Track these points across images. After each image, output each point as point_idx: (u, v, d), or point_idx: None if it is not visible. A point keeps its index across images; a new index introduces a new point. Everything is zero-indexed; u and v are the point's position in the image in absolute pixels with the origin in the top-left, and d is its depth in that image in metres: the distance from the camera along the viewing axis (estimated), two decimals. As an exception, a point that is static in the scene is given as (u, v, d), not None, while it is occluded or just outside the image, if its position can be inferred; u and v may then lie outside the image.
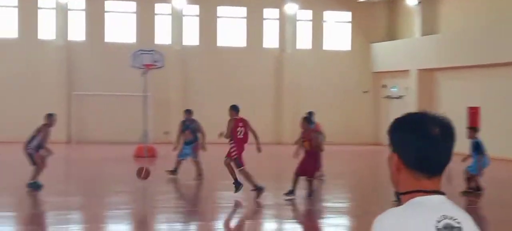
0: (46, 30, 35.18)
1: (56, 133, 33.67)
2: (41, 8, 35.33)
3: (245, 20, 37.63)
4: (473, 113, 31.65)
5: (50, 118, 18.08)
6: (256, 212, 15.53)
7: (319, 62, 38.34)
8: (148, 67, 28.72)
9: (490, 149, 29.99)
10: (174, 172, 20.52)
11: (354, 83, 38.47)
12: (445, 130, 2.55)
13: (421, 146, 2.50)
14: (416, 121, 2.59)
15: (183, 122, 21.73)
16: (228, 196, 16.66)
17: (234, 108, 17.52)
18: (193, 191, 19.40)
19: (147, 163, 24.87)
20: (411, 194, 2.52)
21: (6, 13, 35.17)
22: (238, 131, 16.80)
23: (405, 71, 35.65)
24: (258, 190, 16.03)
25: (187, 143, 21.10)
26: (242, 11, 37.47)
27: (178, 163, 20.68)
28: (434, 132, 2.52)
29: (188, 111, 21.71)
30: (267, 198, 16.62)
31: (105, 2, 35.90)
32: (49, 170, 17.31)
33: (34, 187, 16.69)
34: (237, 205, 16.27)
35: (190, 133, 21.21)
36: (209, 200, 17.40)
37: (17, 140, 18.99)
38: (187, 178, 20.33)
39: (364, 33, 38.89)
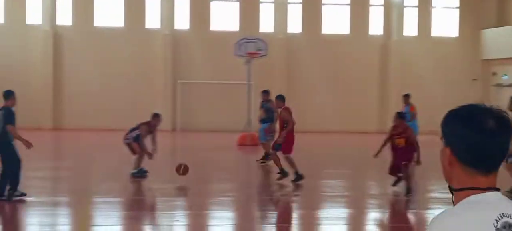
0: (152, 19, 35.99)
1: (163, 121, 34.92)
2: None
3: (348, 7, 37.45)
4: None
5: (155, 118, 18.29)
6: (360, 201, 15.51)
7: (426, 50, 37.74)
8: (251, 55, 29.08)
9: None
10: (265, 159, 20.61)
11: (463, 72, 37.69)
12: (501, 123, 2.41)
13: (475, 141, 2.39)
14: (470, 113, 2.46)
15: (261, 103, 22.08)
16: (330, 185, 16.73)
17: (281, 98, 17.96)
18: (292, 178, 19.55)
19: (250, 151, 25.33)
20: (466, 192, 2.42)
21: (114, 2, 36.08)
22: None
23: (518, 59, 34.76)
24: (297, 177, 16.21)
25: (261, 121, 21.57)
26: (346, -2, 37.39)
27: (265, 147, 20.79)
28: (489, 125, 2.39)
29: (265, 92, 21.80)
30: (372, 188, 16.58)
31: (209, -8, 36.50)
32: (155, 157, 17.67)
33: (139, 174, 17.21)
34: (339, 194, 16.30)
35: (264, 111, 21.46)
36: (309, 188, 17.47)
37: (125, 127, 19.53)
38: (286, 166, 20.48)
39: (473, 19, 38.00)
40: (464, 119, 2.44)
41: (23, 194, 13.65)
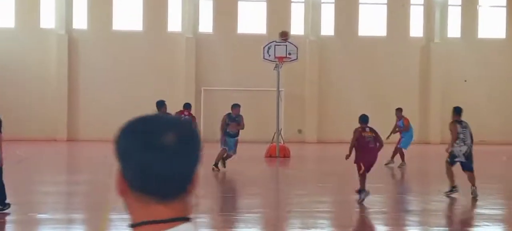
0: (172, 22, 36.03)
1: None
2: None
3: (385, 6, 37.22)
4: None
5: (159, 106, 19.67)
6: (399, 219, 15.26)
7: (471, 52, 37.45)
8: (281, 60, 28.88)
9: None
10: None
11: (511, 76, 37.43)
12: (183, 137, 1.98)
13: (145, 159, 1.93)
14: (142, 125, 2.01)
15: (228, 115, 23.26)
16: (367, 201, 16.46)
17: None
18: (326, 192, 19.37)
19: (279, 163, 25.14)
20: (144, 227, 1.96)
21: (133, 5, 36.21)
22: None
23: None
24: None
25: (231, 135, 22.61)
26: (383, -3, 37.19)
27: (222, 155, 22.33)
28: (165, 140, 1.95)
29: (236, 106, 23.01)
30: (413, 203, 16.29)
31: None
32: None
33: None
34: (376, 210, 16.05)
35: (236, 125, 22.69)
36: (345, 204, 17.25)
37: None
38: (322, 181, 20.34)
39: (522, 19, 37.76)
40: (134, 132, 1.99)
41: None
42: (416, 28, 37.47)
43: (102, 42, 35.60)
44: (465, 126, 17.52)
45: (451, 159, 16.96)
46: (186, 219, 1.98)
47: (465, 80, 36.84)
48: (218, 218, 15.24)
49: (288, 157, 27.10)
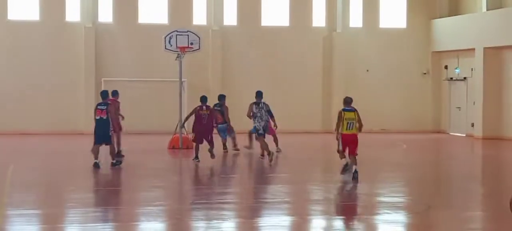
0: (73, 11, 35.44)
1: (83, 122, 34.32)
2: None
3: (288, -4, 37.43)
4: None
5: None
6: (302, 208, 15.40)
7: (373, 42, 37.99)
8: (183, 50, 28.80)
9: None
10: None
11: (412, 65, 38.06)
12: None
13: None
14: None
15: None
16: (270, 191, 16.61)
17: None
18: (229, 183, 19.41)
19: (182, 155, 25.10)
20: None
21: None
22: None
23: (469, 50, 35.13)
24: None
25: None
26: (286, -14, 37.31)
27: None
28: None
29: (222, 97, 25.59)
30: (315, 193, 16.48)
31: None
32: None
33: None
34: (280, 201, 16.19)
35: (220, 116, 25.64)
36: (248, 194, 17.34)
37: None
38: (225, 172, 20.42)
39: (422, 8, 38.41)
40: None
41: None
42: (319, 18, 37.70)
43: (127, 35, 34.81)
44: (261, 107, 23.66)
45: (255, 131, 23.50)
46: None
47: (367, 70, 37.39)
48: (120, 211, 15.10)
49: (192, 148, 27.03)
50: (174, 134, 27.46)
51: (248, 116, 24.19)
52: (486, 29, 34.07)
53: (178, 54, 28.70)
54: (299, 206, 15.72)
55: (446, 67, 37.67)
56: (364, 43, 37.87)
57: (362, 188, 18.07)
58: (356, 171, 18.46)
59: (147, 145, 28.86)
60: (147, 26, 35.36)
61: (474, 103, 34.26)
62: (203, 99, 23.23)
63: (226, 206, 15.63)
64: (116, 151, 22.43)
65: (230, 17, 36.81)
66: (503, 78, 34.02)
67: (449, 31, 37.19)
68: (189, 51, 29.27)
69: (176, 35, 29.18)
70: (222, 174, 22.18)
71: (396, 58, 37.94)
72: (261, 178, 21.31)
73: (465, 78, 35.87)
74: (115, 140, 22.54)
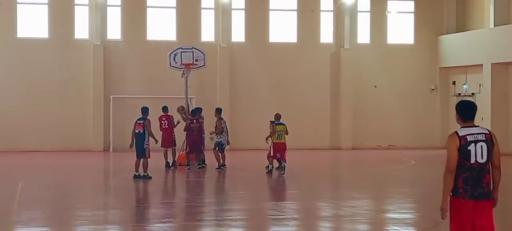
0: (81, 28, 35.54)
1: (92, 139, 34.34)
2: (77, 5, 35.72)
3: (295, 13, 37.43)
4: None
5: None
6: (311, 226, 15.35)
7: (381, 58, 38.01)
8: (188, 67, 28.78)
9: None
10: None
11: (420, 81, 38.05)
12: None
13: None
14: None
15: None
16: (278, 209, 16.46)
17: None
18: (237, 200, 19.42)
19: (190, 172, 25.08)
20: None
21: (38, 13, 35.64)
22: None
23: (477, 66, 35.10)
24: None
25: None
26: (293, 3, 37.31)
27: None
28: None
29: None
30: (325, 209, 16.42)
31: (147, -3, 36.18)
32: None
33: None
34: (288, 217, 16.15)
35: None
36: (257, 211, 17.31)
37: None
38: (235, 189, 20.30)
39: (429, 25, 38.41)
40: None
41: None
42: (326, 35, 37.73)
43: (135, 52, 34.81)
44: (224, 122, 25.85)
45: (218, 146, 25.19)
46: None
47: (375, 86, 37.36)
48: (128, 229, 15.06)
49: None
50: (181, 151, 27.32)
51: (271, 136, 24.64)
52: (494, 45, 34.04)
53: (183, 71, 28.71)
54: (308, 222, 15.69)
55: (454, 83, 37.63)
56: (372, 59, 37.89)
57: (370, 205, 18.05)
58: (283, 167, 23.50)
59: (156, 161, 28.82)
60: (156, 43, 35.38)
61: (482, 119, 34.08)
62: (194, 112, 25.54)
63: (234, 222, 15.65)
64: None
65: (238, 34, 36.87)
66: (511, 94, 33.99)
67: (456, 47, 37.18)
68: (194, 68, 29.25)
69: (181, 52, 29.15)
70: (230, 191, 22.19)
71: (404, 75, 37.92)
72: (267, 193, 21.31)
73: (473, 94, 35.77)
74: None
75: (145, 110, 23.02)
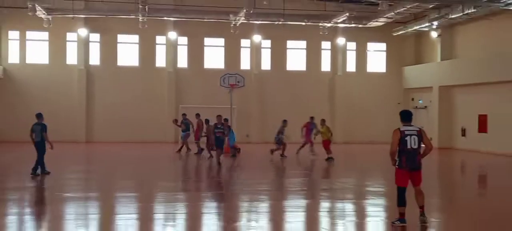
0: (160, 61, 35.86)
1: (164, 134, 34.54)
2: (158, 44, 35.91)
3: (305, 51, 37.54)
4: (483, 119, 30.94)
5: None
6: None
7: (362, 82, 38.03)
8: (232, 86, 29.05)
9: (497, 146, 29.55)
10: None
11: (390, 97, 38.00)
12: None
13: None
14: None
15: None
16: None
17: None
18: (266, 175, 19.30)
19: (232, 159, 24.96)
20: None
21: (131, 47, 35.78)
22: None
23: (429, 88, 35.01)
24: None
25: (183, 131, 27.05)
26: (303, 43, 37.40)
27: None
28: None
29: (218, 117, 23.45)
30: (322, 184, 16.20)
31: (205, 39, 36.24)
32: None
33: None
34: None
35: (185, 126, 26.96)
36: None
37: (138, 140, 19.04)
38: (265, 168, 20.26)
39: (396, 59, 38.35)
40: None
41: None
42: (326, 65, 37.79)
43: (110, 74, 35.29)
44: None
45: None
46: None
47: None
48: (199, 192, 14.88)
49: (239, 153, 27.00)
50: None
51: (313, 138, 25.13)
52: (440, 74, 33.98)
53: (229, 89, 28.97)
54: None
55: (413, 99, 37.53)
56: (357, 82, 37.88)
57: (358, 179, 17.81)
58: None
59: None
60: (211, 70, 35.65)
61: (432, 125, 34.04)
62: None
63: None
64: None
65: (266, 64, 37.07)
66: (452, 107, 33.85)
67: (414, 74, 37.10)
68: (237, 87, 29.52)
69: (228, 76, 29.48)
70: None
71: (379, 93, 37.92)
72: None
73: (426, 106, 35.67)
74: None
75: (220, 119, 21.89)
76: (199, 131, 26.58)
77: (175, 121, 28.53)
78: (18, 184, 16.05)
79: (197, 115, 27.03)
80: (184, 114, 27.94)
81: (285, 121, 25.52)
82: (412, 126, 10.24)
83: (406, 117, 10.34)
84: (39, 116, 17.51)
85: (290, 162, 23.56)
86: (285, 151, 24.89)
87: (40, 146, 17.17)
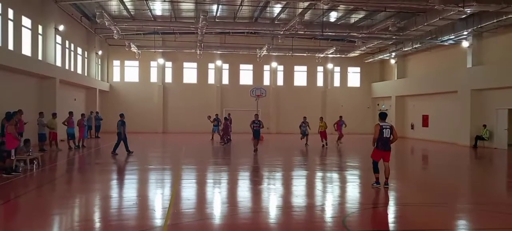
0: (211, 79, 35.85)
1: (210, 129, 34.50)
2: (210, 69, 35.88)
3: (305, 72, 37.28)
4: (425, 117, 30.52)
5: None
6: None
7: (344, 93, 37.61)
8: (258, 96, 29.01)
9: (434, 136, 29.06)
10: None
11: (363, 103, 37.58)
12: None
13: None
14: None
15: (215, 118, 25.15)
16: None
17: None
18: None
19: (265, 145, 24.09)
20: None
21: (192, 70, 35.84)
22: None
23: (389, 97, 34.55)
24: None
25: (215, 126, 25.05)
26: (305, 68, 37.14)
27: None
28: None
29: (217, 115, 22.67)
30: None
31: (240, 65, 36.21)
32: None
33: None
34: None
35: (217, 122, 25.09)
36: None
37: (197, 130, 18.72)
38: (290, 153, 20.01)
39: (367, 77, 37.88)
40: None
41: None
42: (320, 82, 37.49)
43: (179, 89, 35.38)
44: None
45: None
46: None
47: (342, 106, 36.96)
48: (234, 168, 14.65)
49: (262, 140, 26.37)
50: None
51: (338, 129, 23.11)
52: (397, 87, 33.53)
53: (256, 98, 28.91)
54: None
55: (378, 104, 37.03)
56: (341, 94, 37.48)
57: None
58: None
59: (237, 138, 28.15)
60: (244, 86, 35.60)
61: (391, 121, 33.58)
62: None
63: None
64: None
65: (280, 81, 36.90)
66: (404, 109, 33.36)
67: (379, 88, 36.67)
68: (261, 97, 29.47)
69: (255, 89, 29.45)
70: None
71: (356, 101, 37.46)
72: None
73: (387, 109, 35.16)
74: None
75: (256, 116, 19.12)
76: (224, 129, 23.55)
77: (209, 117, 27.53)
78: (116, 159, 15.99)
79: (225, 118, 24.29)
80: (216, 115, 26.66)
81: (305, 117, 24.59)
82: (386, 122, 10.30)
83: (383, 116, 10.49)
84: (121, 115, 17.52)
85: (313, 149, 21.88)
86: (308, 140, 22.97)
87: (119, 135, 17.28)
